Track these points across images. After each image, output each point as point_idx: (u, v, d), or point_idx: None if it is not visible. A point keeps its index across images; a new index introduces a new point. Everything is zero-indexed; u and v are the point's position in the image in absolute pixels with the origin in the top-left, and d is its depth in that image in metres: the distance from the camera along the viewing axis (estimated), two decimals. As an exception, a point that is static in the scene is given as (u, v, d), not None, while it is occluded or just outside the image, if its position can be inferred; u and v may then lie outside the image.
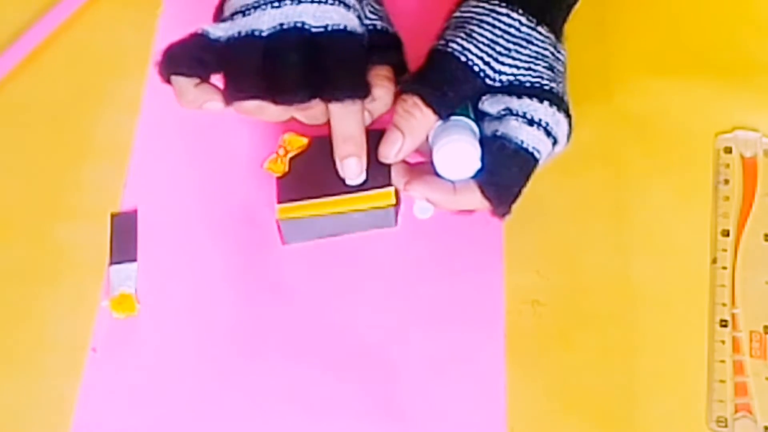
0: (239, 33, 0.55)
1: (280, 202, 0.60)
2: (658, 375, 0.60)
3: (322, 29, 0.55)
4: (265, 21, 0.55)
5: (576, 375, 0.60)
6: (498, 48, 0.58)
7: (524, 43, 0.58)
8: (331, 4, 0.55)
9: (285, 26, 0.55)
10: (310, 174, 0.59)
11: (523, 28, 0.58)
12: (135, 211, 0.66)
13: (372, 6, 0.60)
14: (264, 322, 0.62)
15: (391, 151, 0.57)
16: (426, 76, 0.58)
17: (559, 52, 0.60)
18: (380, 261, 0.64)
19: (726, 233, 0.64)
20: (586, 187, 0.65)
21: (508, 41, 0.58)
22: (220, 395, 0.61)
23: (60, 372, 0.61)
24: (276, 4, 0.55)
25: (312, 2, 0.55)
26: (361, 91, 0.55)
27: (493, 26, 0.58)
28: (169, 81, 0.56)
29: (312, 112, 0.56)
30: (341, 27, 0.55)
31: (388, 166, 0.58)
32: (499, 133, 0.57)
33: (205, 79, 0.56)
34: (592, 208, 0.65)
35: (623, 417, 0.59)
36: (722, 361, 0.60)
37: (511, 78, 0.57)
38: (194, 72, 0.55)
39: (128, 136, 0.68)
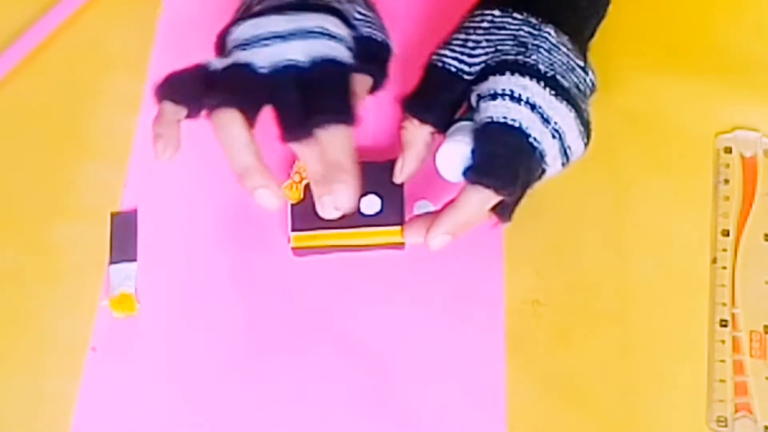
0: (235, 63, 0.55)
1: (293, 229, 0.62)
2: (658, 375, 0.60)
3: (310, 63, 0.55)
4: (260, 59, 0.55)
5: (576, 375, 0.60)
6: (470, 44, 0.58)
7: (495, 30, 0.58)
8: (318, 38, 0.56)
9: (278, 65, 0.55)
10: None
11: (496, 19, 0.58)
12: (135, 211, 0.66)
13: (360, 12, 0.60)
14: (264, 322, 0.63)
15: (396, 169, 0.60)
16: (412, 92, 0.60)
17: (540, 30, 0.57)
18: (380, 261, 0.64)
19: (726, 233, 0.64)
20: (585, 187, 0.65)
21: (480, 35, 0.58)
22: (220, 395, 0.61)
23: (60, 372, 0.61)
24: (267, 42, 0.55)
25: (301, 39, 0.55)
26: (344, 116, 0.55)
27: (466, 27, 0.59)
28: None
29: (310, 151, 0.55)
30: (328, 58, 0.56)
31: (402, 203, 0.61)
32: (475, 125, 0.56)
33: (193, 112, 0.56)
34: (591, 208, 0.65)
35: (623, 417, 0.59)
36: (722, 361, 0.60)
37: (483, 65, 0.57)
38: (185, 101, 0.55)
39: (128, 136, 0.68)
